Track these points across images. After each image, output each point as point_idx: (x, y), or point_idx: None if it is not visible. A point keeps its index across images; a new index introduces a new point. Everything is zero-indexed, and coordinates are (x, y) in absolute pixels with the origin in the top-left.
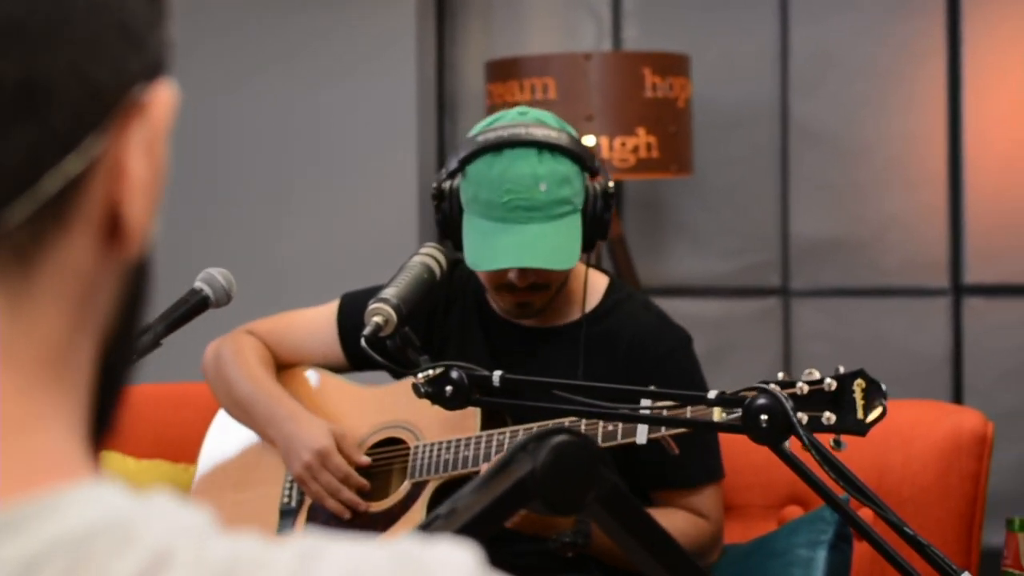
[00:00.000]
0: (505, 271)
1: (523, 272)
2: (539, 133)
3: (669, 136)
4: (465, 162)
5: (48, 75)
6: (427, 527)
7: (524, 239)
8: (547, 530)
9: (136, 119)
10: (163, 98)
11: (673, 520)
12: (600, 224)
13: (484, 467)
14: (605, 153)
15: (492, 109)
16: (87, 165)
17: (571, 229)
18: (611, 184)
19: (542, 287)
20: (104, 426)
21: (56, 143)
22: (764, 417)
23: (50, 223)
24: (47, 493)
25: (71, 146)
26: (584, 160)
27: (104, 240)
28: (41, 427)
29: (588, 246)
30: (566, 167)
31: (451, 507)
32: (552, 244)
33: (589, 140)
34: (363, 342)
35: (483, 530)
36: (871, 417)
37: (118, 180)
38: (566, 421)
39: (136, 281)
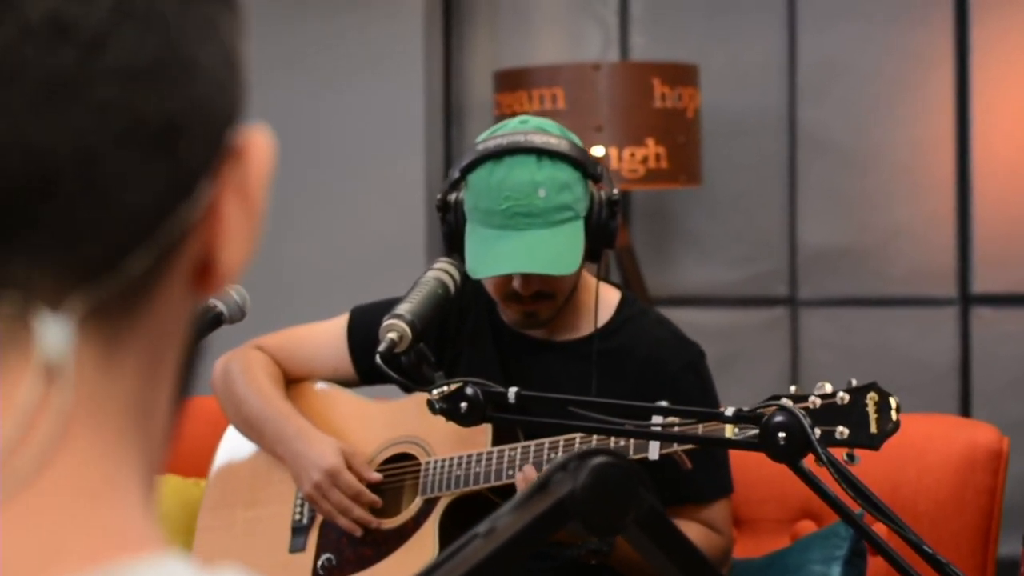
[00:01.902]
0: (509, 280)
1: (527, 280)
2: (538, 140)
3: (678, 147)
4: (466, 171)
5: (184, 115)
6: (465, 546)
7: (523, 245)
8: (571, 536)
9: (234, 163)
10: (261, 143)
11: (689, 533)
12: (605, 232)
13: (496, 483)
14: (614, 164)
15: (500, 119)
16: (201, 212)
17: (572, 235)
18: (616, 191)
19: (547, 296)
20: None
21: (183, 185)
22: (782, 435)
23: (159, 272)
24: (114, 566)
25: (191, 190)
26: (585, 166)
27: (193, 285)
28: (117, 495)
29: (594, 256)
30: (566, 173)
31: (490, 526)
32: (552, 250)
33: (598, 151)
34: (378, 358)
35: (521, 550)
36: (884, 431)
37: (215, 226)
38: (577, 437)
39: (200, 318)
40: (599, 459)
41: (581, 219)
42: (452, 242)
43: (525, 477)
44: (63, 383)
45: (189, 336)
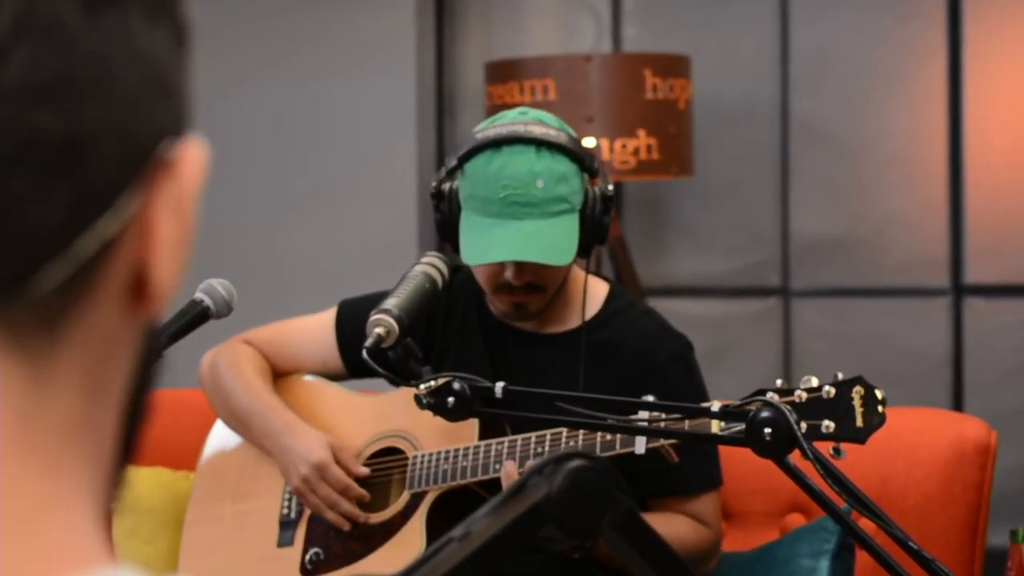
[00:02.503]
0: (501, 270)
1: (519, 270)
2: (538, 131)
3: (670, 138)
4: (464, 159)
5: (90, 131)
6: (441, 549)
7: (519, 234)
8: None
9: (165, 176)
10: (193, 155)
11: (675, 526)
12: (598, 228)
13: (483, 477)
14: (606, 155)
15: (492, 110)
16: (121, 226)
17: (567, 227)
18: (611, 187)
19: (538, 288)
20: (118, 483)
21: (94, 202)
22: (768, 430)
23: (80, 288)
24: None
25: (107, 205)
26: (583, 160)
27: (128, 301)
28: (58, 511)
29: (586, 251)
30: (564, 166)
31: (465, 530)
32: (547, 240)
33: (590, 142)
34: (365, 353)
35: (497, 554)
36: (871, 425)
37: (146, 240)
38: (564, 431)
39: (150, 339)
40: (575, 463)
41: (576, 212)
42: (445, 231)
43: (507, 473)
44: None
45: (138, 354)
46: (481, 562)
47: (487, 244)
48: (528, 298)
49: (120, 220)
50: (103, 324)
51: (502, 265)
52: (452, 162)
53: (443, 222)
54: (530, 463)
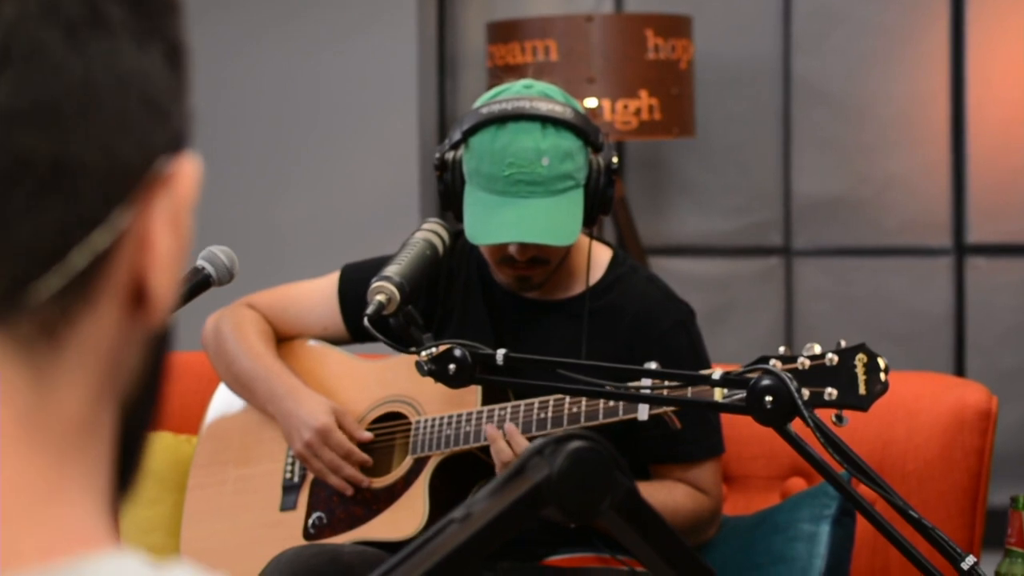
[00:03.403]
0: (506, 245)
1: (523, 246)
2: (543, 107)
3: (671, 98)
4: (468, 134)
5: (78, 153)
6: (441, 531)
7: (524, 214)
8: None
9: (161, 191)
10: (188, 170)
11: (674, 495)
12: (603, 199)
13: (485, 442)
14: (607, 116)
15: (493, 71)
16: (114, 239)
17: (572, 204)
18: (615, 159)
19: (542, 262)
20: (125, 486)
21: (85, 219)
22: (769, 399)
23: (78, 297)
24: (70, 563)
25: (98, 221)
26: (588, 135)
27: (128, 311)
28: (64, 499)
29: (590, 221)
30: (569, 142)
31: (466, 511)
32: (552, 219)
33: (591, 103)
34: (366, 321)
35: (498, 535)
36: (873, 392)
37: (143, 252)
38: (566, 398)
39: (158, 348)
40: (575, 444)
41: (581, 188)
42: (448, 201)
43: (491, 436)
44: None
45: (145, 366)
46: (482, 543)
47: (492, 224)
48: (532, 271)
49: (113, 233)
50: (104, 332)
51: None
52: (457, 135)
53: (447, 192)
54: (509, 425)
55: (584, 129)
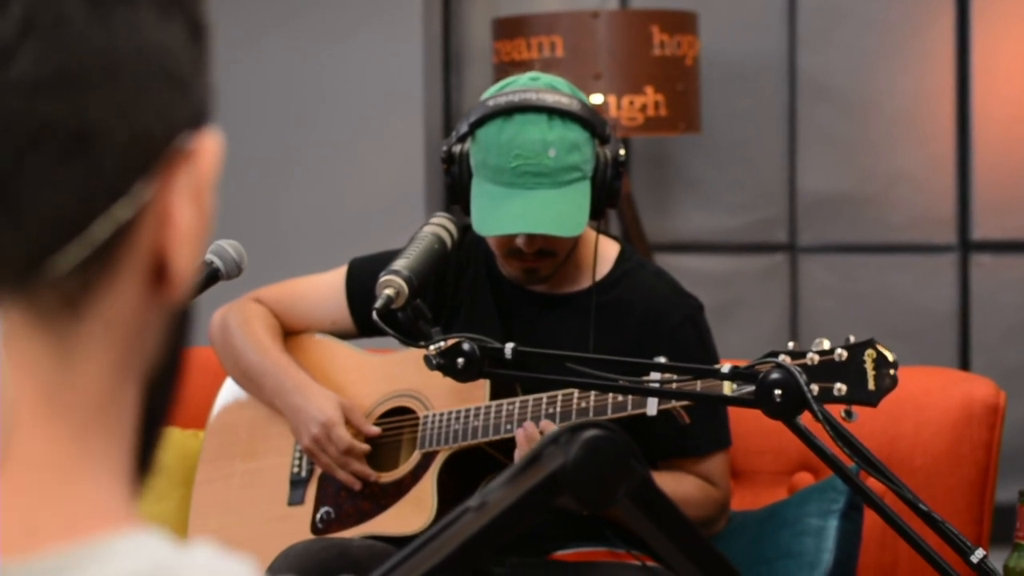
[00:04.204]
0: (513, 236)
1: (531, 238)
2: (550, 99)
3: (677, 94)
4: (475, 126)
5: (99, 122)
6: (457, 519)
7: (531, 205)
8: None
9: (183, 167)
10: (210, 146)
11: (683, 485)
12: (610, 192)
13: (493, 437)
14: (613, 112)
15: (499, 67)
16: (136, 211)
17: (579, 196)
18: (622, 152)
19: (549, 254)
20: (145, 467)
21: (106, 189)
22: (778, 392)
23: (99, 270)
24: (93, 541)
25: (120, 192)
26: (595, 127)
27: (150, 286)
28: (87, 475)
29: (597, 214)
30: (576, 134)
31: (481, 500)
32: (559, 211)
33: (597, 99)
34: (374, 315)
35: (513, 523)
36: (883, 388)
37: (165, 228)
38: (575, 392)
39: (178, 326)
40: (591, 432)
41: (588, 179)
42: (456, 194)
43: (527, 434)
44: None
45: (166, 343)
46: (498, 531)
47: (498, 215)
48: (540, 264)
49: (134, 206)
50: (125, 306)
51: (513, 234)
52: (464, 128)
53: (454, 185)
54: (544, 423)
55: (591, 121)
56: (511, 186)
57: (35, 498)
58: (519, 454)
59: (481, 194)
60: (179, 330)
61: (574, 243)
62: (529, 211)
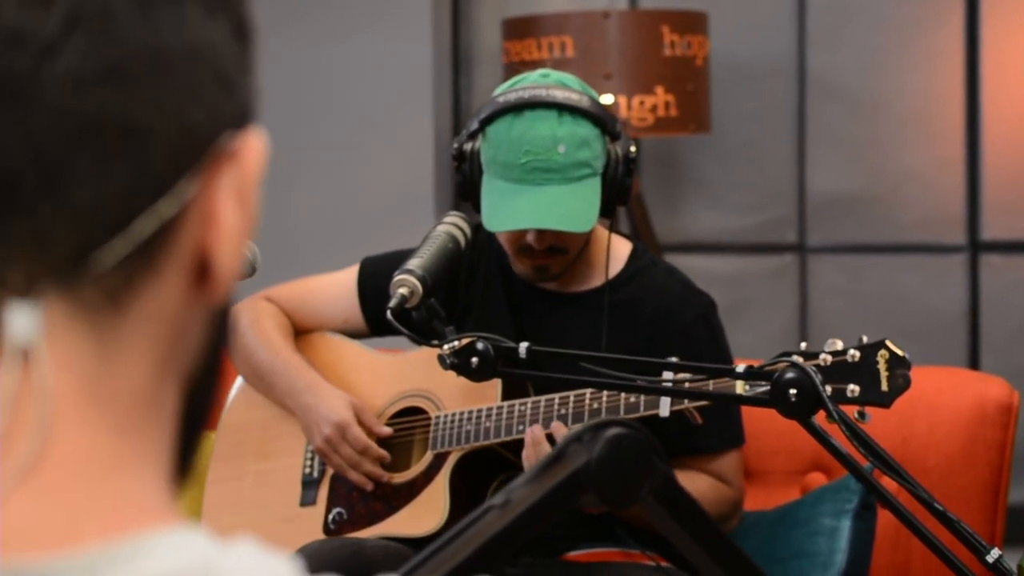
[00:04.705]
0: (523, 233)
1: (541, 234)
2: (560, 95)
3: (687, 95)
4: (485, 123)
5: (147, 117)
6: (481, 517)
7: (541, 200)
8: None
9: (227, 166)
10: (254, 146)
11: (696, 483)
12: (621, 189)
13: (505, 438)
14: (623, 112)
15: (509, 67)
16: (180, 209)
17: (589, 192)
18: (633, 149)
19: (560, 251)
20: (184, 467)
21: (151, 185)
22: (793, 392)
23: (142, 265)
24: (135, 537)
25: (165, 188)
26: (605, 123)
27: (192, 284)
28: (129, 470)
29: (608, 211)
30: (586, 130)
31: (505, 498)
32: (569, 206)
33: (607, 99)
34: (388, 314)
35: (537, 521)
36: (896, 388)
37: (209, 226)
38: (587, 392)
39: (219, 325)
40: (614, 430)
41: (599, 176)
42: (467, 192)
43: (533, 437)
44: (39, 366)
45: (207, 341)
46: (522, 529)
47: (509, 211)
48: (550, 261)
49: (179, 203)
50: (168, 303)
51: (524, 229)
52: (474, 125)
53: (465, 183)
54: (556, 424)
55: (601, 117)
56: (521, 182)
57: (76, 493)
58: (526, 455)
59: (491, 190)
60: (220, 330)
61: (585, 240)
62: (539, 207)
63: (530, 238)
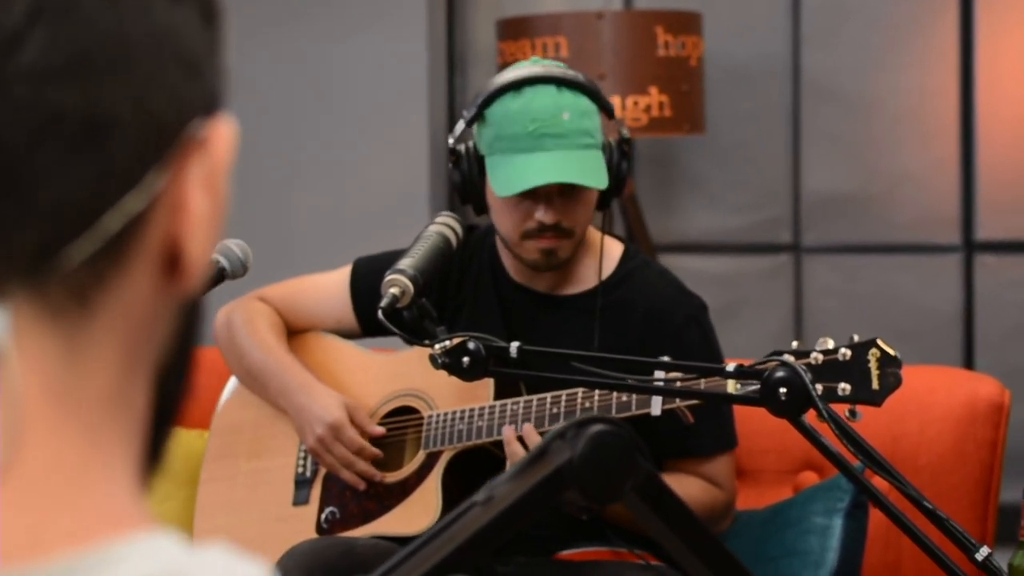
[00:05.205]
0: (530, 215)
1: (550, 208)
2: (556, 71)
3: (681, 95)
4: (485, 105)
5: (111, 109)
6: (463, 514)
7: (554, 161)
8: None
9: (196, 154)
10: (223, 133)
11: (687, 487)
12: (617, 177)
13: (498, 437)
14: (618, 112)
15: (503, 67)
16: (148, 202)
17: (597, 159)
18: (626, 131)
19: (567, 233)
20: (155, 462)
21: (118, 179)
22: (783, 390)
23: (110, 262)
24: (103, 546)
25: (133, 182)
26: (600, 99)
27: (162, 276)
28: (96, 476)
29: (604, 202)
30: (585, 103)
31: (488, 494)
32: (582, 167)
33: None
34: (380, 314)
35: (520, 518)
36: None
37: (178, 216)
38: (579, 392)
39: (190, 316)
40: (597, 427)
41: (600, 151)
42: (465, 191)
43: (507, 437)
44: (9, 371)
45: (177, 332)
46: (504, 526)
47: (523, 173)
48: (558, 243)
49: (147, 196)
50: (136, 298)
51: (532, 208)
52: (472, 111)
53: (463, 182)
54: (528, 425)
55: (597, 92)
56: (531, 150)
57: (42, 502)
58: (507, 453)
59: (500, 164)
60: (190, 321)
61: (587, 223)
62: (553, 165)
63: (540, 215)
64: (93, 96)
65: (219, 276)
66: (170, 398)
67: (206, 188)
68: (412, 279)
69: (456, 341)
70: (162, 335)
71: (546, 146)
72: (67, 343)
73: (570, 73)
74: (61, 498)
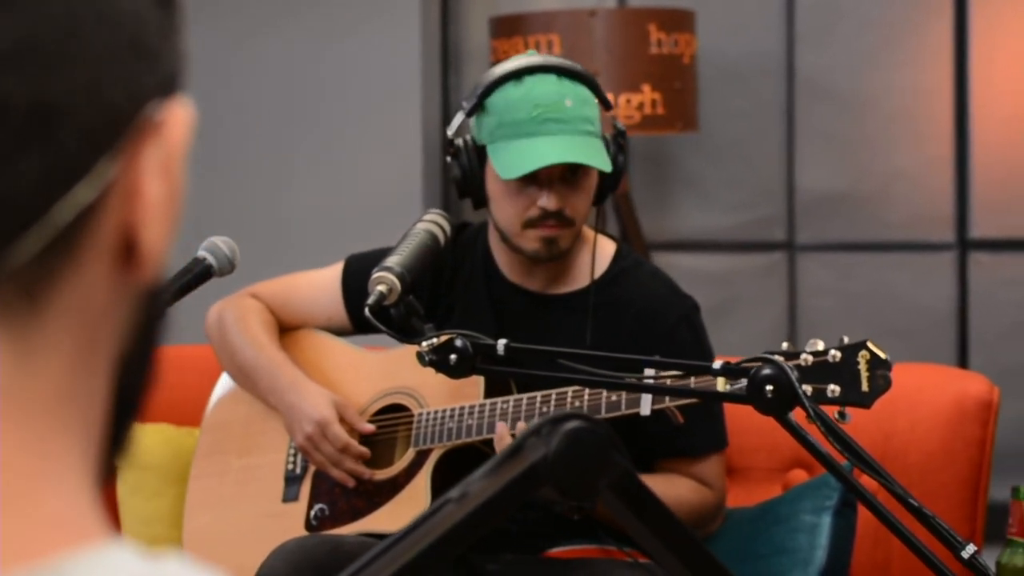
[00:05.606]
0: (531, 204)
1: (553, 194)
2: (555, 60)
3: (675, 93)
4: (485, 94)
5: (60, 97)
6: (438, 511)
7: (558, 143)
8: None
9: (151, 139)
10: (179, 116)
11: (677, 488)
12: (614, 170)
13: (487, 435)
14: None
15: (496, 65)
16: (100, 191)
17: (599, 147)
18: (621, 123)
19: (568, 222)
20: (117, 451)
21: (67, 170)
22: (769, 388)
23: (61, 256)
24: (55, 560)
25: (83, 172)
26: (598, 91)
27: (118, 267)
28: (49, 485)
29: (600, 197)
30: (585, 92)
31: (462, 491)
32: (586, 151)
33: None
34: (367, 311)
35: (494, 514)
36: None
37: (133, 203)
38: (569, 390)
39: (150, 305)
40: (572, 424)
41: (601, 140)
42: (465, 185)
43: (499, 435)
44: None
45: (137, 322)
46: (478, 523)
47: (528, 156)
48: (560, 232)
49: (99, 185)
50: (89, 292)
51: (534, 195)
52: (472, 101)
53: (463, 176)
54: (521, 424)
55: (594, 83)
56: (535, 134)
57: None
58: (498, 449)
59: (503, 150)
60: (151, 312)
61: (587, 214)
62: (558, 147)
63: (542, 201)
64: (41, 84)
65: (206, 273)
66: (132, 391)
67: (162, 174)
68: (399, 276)
69: (443, 338)
70: (121, 327)
71: (550, 130)
72: (16, 344)
73: (568, 63)
74: (11, 511)
